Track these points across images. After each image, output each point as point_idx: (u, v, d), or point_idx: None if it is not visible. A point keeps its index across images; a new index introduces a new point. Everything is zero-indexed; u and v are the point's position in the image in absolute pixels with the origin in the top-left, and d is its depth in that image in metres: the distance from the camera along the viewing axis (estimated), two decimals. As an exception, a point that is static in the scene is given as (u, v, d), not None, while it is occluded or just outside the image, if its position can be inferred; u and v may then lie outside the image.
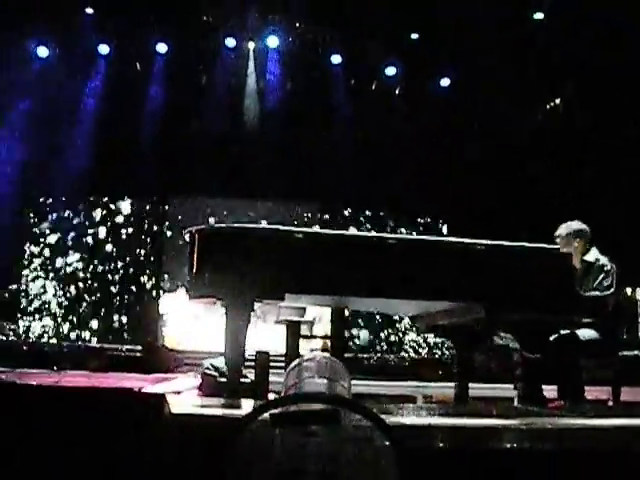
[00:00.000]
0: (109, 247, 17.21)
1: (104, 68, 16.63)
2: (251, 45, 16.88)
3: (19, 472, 2.36)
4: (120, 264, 17.09)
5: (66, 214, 16.99)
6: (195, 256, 5.98)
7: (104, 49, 16.50)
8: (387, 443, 2.53)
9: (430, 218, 17.75)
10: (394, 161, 16.58)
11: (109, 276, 16.98)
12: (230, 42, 16.62)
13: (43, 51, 16.37)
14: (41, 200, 16.84)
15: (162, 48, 16.62)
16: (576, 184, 14.89)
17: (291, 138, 16.54)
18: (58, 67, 16.31)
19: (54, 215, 17.06)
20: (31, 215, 16.88)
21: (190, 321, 17.35)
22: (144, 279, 17.19)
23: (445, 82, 17.23)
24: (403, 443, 2.50)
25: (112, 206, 17.61)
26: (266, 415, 2.56)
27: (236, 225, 6.31)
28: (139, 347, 13.51)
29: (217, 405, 5.21)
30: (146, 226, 17.69)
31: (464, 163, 16.17)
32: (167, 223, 17.78)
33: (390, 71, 17.14)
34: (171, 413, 3.20)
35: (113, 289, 16.86)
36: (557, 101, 16.62)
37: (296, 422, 2.58)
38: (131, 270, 17.02)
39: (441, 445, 3.57)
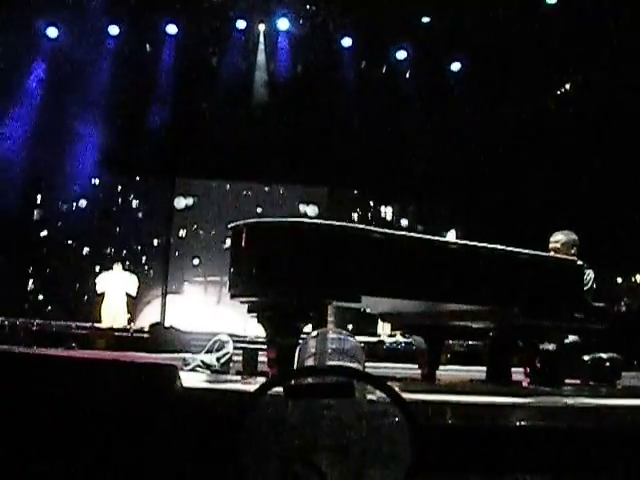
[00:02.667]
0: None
1: (114, 49, 16.50)
2: (261, 27, 16.79)
3: (32, 441, 2.35)
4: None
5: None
6: (246, 254, 5.49)
7: (114, 30, 16.40)
8: (402, 418, 2.49)
9: (438, 203, 17.79)
10: (403, 145, 16.53)
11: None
12: (241, 24, 16.55)
13: (53, 31, 16.31)
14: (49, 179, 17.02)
15: (172, 29, 16.54)
16: (587, 170, 14.82)
17: (301, 121, 16.47)
18: (68, 47, 16.22)
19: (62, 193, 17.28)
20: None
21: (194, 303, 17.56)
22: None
23: (456, 66, 17.15)
24: (418, 418, 2.47)
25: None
26: (280, 388, 2.53)
27: (297, 220, 5.79)
28: (146, 328, 13.53)
29: (228, 380, 5.15)
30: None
31: (474, 148, 16.12)
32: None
33: (401, 55, 17.06)
34: (182, 387, 3.19)
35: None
36: (567, 86, 16.51)
37: (310, 395, 2.55)
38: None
39: (455, 421, 3.57)
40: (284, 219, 5.77)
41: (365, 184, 17.41)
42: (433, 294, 5.80)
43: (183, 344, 11.59)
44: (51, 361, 2.66)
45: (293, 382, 2.58)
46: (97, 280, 14.92)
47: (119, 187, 17.91)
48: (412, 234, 6.11)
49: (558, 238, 7.44)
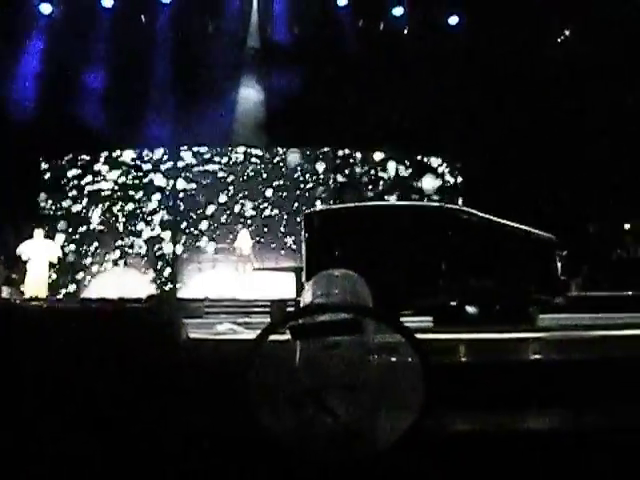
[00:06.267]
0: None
1: (109, 22, 16.34)
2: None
3: (41, 383, 2.34)
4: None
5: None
6: (321, 241, 5.51)
7: (108, 2, 16.27)
8: (414, 355, 2.45)
9: (441, 158, 17.80)
10: (402, 102, 16.38)
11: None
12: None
13: (46, 8, 16.21)
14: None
15: (167, -2, 16.43)
16: (592, 117, 14.73)
17: (298, 82, 16.32)
18: (62, 23, 16.13)
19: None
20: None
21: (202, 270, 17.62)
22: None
23: (453, 20, 16.98)
24: (430, 356, 2.43)
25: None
26: (286, 330, 2.50)
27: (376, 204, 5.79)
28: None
29: (231, 332, 5.15)
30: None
31: (471, 101, 16.00)
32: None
33: (397, 11, 16.89)
34: (189, 338, 3.16)
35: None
36: (567, 33, 16.35)
37: (316, 334, 2.51)
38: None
39: (466, 359, 3.55)
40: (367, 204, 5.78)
41: (363, 142, 17.29)
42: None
43: (191, 312, 11.62)
44: (59, 311, 2.64)
45: (298, 322, 2.54)
46: (20, 249, 14.23)
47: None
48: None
49: None
